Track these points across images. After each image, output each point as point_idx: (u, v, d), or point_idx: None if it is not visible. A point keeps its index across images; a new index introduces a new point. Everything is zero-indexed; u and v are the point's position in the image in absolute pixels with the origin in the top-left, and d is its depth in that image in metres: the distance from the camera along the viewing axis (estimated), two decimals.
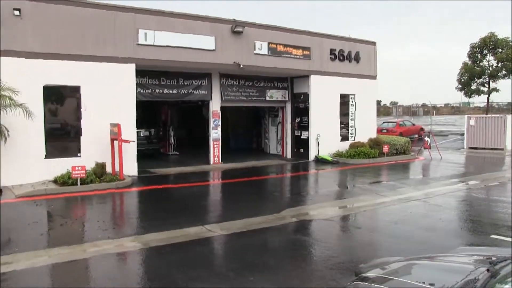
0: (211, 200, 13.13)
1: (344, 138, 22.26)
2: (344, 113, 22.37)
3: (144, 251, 7.63)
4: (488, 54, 38.59)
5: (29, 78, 13.22)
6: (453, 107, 77.53)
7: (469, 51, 39.20)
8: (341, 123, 22.20)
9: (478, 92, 39.39)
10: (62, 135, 14.77)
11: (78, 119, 14.55)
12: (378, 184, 14.88)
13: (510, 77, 37.38)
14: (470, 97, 40.02)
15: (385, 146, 21.16)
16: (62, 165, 13.46)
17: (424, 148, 23.30)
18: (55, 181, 13.23)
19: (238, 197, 12.73)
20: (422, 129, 39.21)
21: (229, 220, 9.66)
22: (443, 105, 77.01)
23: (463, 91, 40.13)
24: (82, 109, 14.49)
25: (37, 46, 13.52)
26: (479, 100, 47.81)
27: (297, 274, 6.62)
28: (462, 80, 39.49)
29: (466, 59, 39.57)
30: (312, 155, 20.78)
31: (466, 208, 11.52)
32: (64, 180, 12.83)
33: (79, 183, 12.72)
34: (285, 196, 13.44)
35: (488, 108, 41.42)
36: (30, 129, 13.13)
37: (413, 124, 39.63)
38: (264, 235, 8.79)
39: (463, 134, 36.46)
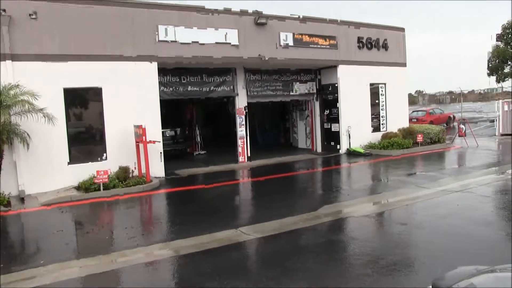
0: (242, 200, 12.53)
1: (376, 129, 21.41)
2: (375, 103, 21.51)
3: (175, 260, 7.09)
4: None
5: (48, 81, 12.80)
6: (480, 93, 75.57)
7: (500, 33, 37.69)
8: (372, 113, 21.35)
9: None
10: (86, 139, 14.35)
11: (101, 122, 14.13)
12: (416, 175, 14.10)
13: None
14: (503, 81, 38.50)
15: (419, 136, 20.24)
16: (86, 170, 13.02)
17: (459, 136, 22.28)
18: (78, 187, 12.83)
19: (270, 195, 12.09)
20: (450, 117, 37.94)
21: (263, 221, 9.04)
22: (468, 92, 74.88)
23: (495, 76, 38.68)
24: (105, 111, 14.07)
25: (55, 48, 13.10)
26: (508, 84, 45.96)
27: (344, 281, 5.96)
28: (492, 63, 38.05)
29: (497, 42, 38.13)
30: (343, 148, 20.02)
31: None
32: (87, 186, 12.41)
33: (102, 188, 12.28)
34: (319, 192, 12.74)
35: None
36: (52, 134, 12.71)
37: (443, 112, 38.37)
38: (301, 236, 8.15)
39: (493, 121, 35.19)
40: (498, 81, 38.38)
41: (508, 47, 37.43)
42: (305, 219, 9.24)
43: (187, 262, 6.95)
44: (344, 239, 7.92)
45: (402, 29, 22.71)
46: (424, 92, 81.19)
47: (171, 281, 6.37)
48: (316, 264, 6.66)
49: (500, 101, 28.10)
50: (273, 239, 7.93)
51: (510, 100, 28.06)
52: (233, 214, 10.40)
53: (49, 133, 12.59)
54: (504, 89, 54.14)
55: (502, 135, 25.57)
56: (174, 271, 6.79)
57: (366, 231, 8.49)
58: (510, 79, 38.64)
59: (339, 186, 13.66)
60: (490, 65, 37.61)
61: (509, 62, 37.76)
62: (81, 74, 13.52)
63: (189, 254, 7.25)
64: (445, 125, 32.22)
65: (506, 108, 26.11)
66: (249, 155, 18.50)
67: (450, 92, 76.38)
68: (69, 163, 13.46)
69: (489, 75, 38.42)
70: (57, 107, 12.94)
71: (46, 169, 12.84)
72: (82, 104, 14.31)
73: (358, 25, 20.62)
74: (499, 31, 37.67)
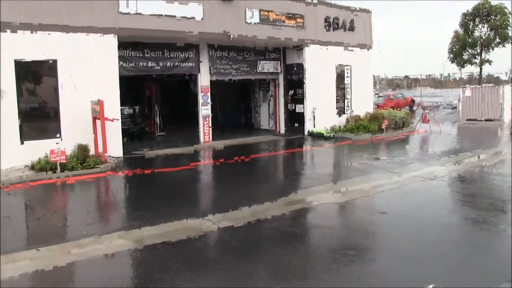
0: (208, 184, 11.84)
1: (341, 111, 21.09)
2: (340, 85, 21.14)
3: (138, 252, 6.37)
4: (480, 23, 37.65)
5: None
6: (434, 80, 77.19)
7: (461, 20, 38.19)
8: (337, 96, 20.99)
9: (471, 62, 38.55)
10: (39, 115, 13.28)
11: (56, 97, 13.07)
12: (386, 160, 13.79)
13: (505, 45, 36.59)
14: (462, 67, 39.18)
15: (385, 120, 20.06)
16: (40, 149, 12.01)
17: (423, 122, 22.27)
18: (32, 167, 11.82)
19: (237, 179, 11.49)
20: (413, 100, 38.28)
21: (231, 209, 8.41)
22: (424, 78, 76.25)
23: (455, 61, 39.26)
24: (60, 86, 13.01)
25: (4, 15, 11.89)
26: (469, 71, 46.99)
27: (336, 281, 5.43)
28: (454, 50, 38.57)
29: (458, 29, 38.61)
30: (307, 130, 19.59)
31: (492, 185, 10.41)
32: (42, 166, 11.41)
33: (59, 168, 11.34)
34: (288, 176, 12.19)
35: (481, 80, 40.53)
36: (1, 109, 11.64)
37: (404, 97, 38.63)
38: (277, 225, 7.55)
39: (455, 107, 35.76)
40: (458, 66, 38.95)
41: (467, 35, 37.99)
42: (278, 205, 8.70)
43: (151, 255, 6.26)
44: (323, 229, 7.37)
45: (369, 11, 22.37)
46: (380, 77, 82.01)
47: (134, 278, 5.66)
48: (299, 259, 6.10)
49: (461, 87, 28.45)
50: (247, 229, 7.32)
51: (471, 86, 28.49)
52: (198, 200, 9.81)
53: None
54: (462, 76, 55.32)
55: (467, 120, 25.86)
56: (136, 265, 6.09)
57: (345, 219, 8.10)
58: (468, 65, 39.34)
59: (308, 170, 13.22)
60: (453, 50, 38.04)
61: (468, 50, 38.37)
62: (34, 45, 12.43)
63: (153, 245, 6.55)
64: (408, 108, 32.38)
65: (467, 93, 26.39)
66: (211, 135, 17.81)
67: (406, 77, 77.62)
68: (21, 141, 12.41)
69: (451, 60, 38.91)
70: (7, 80, 11.86)
71: None
72: (36, 78, 13.22)
73: (326, 4, 20.10)
74: (459, 19, 38.19)
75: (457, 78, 56.14)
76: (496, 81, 47.16)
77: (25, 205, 9.30)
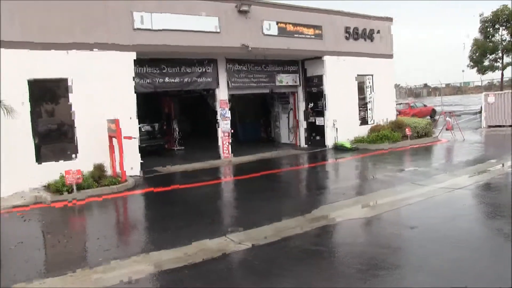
0: (229, 201, 11.42)
1: (363, 122, 20.60)
2: (362, 95, 20.68)
3: (158, 277, 5.99)
4: (500, 28, 36.79)
5: (10, 72, 11.52)
6: (454, 87, 76.13)
7: (480, 26, 37.37)
8: (359, 106, 20.51)
9: (492, 68, 37.63)
10: (55, 135, 13.03)
11: (72, 117, 12.88)
12: (410, 171, 13.21)
13: None
14: (483, 74, 38.25)
15: (407, 129, 19.53)
16: (56, 169, 11.80)
17: (447, 129, 21.66)
18: (48, 188, 11.59)
19: (258, 195, 11.08)
20: (434, 110, 37.57)
21: (254, 226, 8.02)
22: (444, 86, 75.26)
23: (475, 68, 38.39)
24: (75, 105, 12.82)
25: (17, 34, 11.79)
26: (489, 77, 45.81)
27: None
28: (474, 57, 37.72)
29: (478, 35, 37.81)
30: (329, 142, 19.13)
31: None
32: (58, 187, 11.15)
33: (75, 189, 11.08)
34: (311, 191, 11.71)
35: (503, 85, 39.54)
36: (16, 130, 11.48)
37: (425, 105, 37.98)
38: (302, 244, 7.10)
39: (476, 114, 34.93)
40: (478, 73, 38.09)
41: (487, 40, 37.17)
42: (302, 222, 8.26)
43: (172, 280, 5.89)
44: (351, 246, 6.87)
45: (390, 19, 21.96)
46: (400, 86, 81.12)
47: None
48: (328, 281, 5.67)
49: (484, 93, 27.74)
50: (271, 249, 6.88)
51: (494, 92, 27.73)
52: (219, 218, 9.40)
53: (13, 130, 11.35)
54: (483, 83, 54.12)
55: (489, 126, 25.20)
56: None
57: (373, 235, 7.54)
58: (489, 72, 38.45)
59: (331, 184, 12.71)
60: (473, 58, 37.25)
61: (488, 55, 37.52)
62: (48, 64, 12.27)
63: (174, 269, 6.17)
64: (429, 118, 31.67)
65: (490, 100, 25.71)
66: (231, 150, 17.47)
67: (426, 86, 76.80)
68: (37, 162, 12.22)
69: (472, 67, 38.08)
70: (21, 100, 11.71)
71: (11, 169, 11.51)
72: (50, 97, 12.97)
73: (344, 14, 19.74)
74: (478, 24, 37.39)
75: (479, 85, 55.11)
76: None
77: (39, 230, 8.99)
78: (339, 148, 18.54)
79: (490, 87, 49.07)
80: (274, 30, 17.01)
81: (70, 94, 12.79)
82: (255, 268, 6.20)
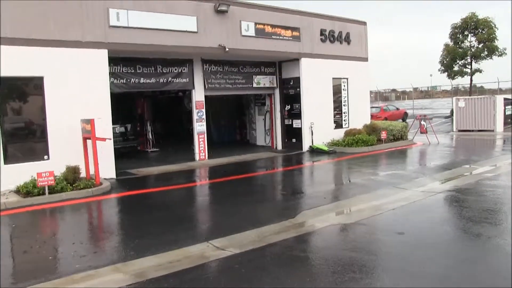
0: (208, 205, 11.07)
1: (338, 125, 20.56)
2: (337, 98, 20.65)
3: (140, 287, 5.68)
4: (469, 34, 37.60)
5: None
6: (421, 91, 77.66)
7: (450, 32, 38.11)
8: (335, 109, 20.47)
9: (461, 73, 38.40)
10: (26, 135, 12.49)
11: (43, 116, 12.35)
12: (389, 175, 13.18)
13: (492, 57, 36.57)
14: (453, 78, 38.97)
15: (383, 132, 19.60)
16: (26, 171, 11.25)
17: (421, 133, 21.87)
18: (17, 191, 11.05)
19: (238, 199, 10.83)
20: (406, 113, 38.08)
21: (237, 231, 7.76)
22: (412, 90, 76.65)
23: (446, 73, 39.09)
24: (47, 104, 12.30)
25: None
26: (457, 82, 46.72)
27: None
28: (445, 61, 38.40)
29: (448, 41, 38.53)
30: (305, 145, 19.00)
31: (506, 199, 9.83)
32: (29, 190, 10.62)
33: (47, 192, 10.58)
34: (292, 195, 11.45)
35: (471, 90, 40.41)
36: None
37: (397, 109, 38.50)
38: (287, 250, 6.85)
39: (447, 117, 35.55)
40: (449, 78, 38.83)
41: (457, 46, 37.93)
42: (286, 227, 8.05)
43: None
44: (338, 254, 6.68)
45: (364, 23, 22.04)
46: (370, 89, 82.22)
47: None
48: None
49: (455, 98, 28.23)
50: (256, 256, 6.63)
51: (465, 97, 28.25)
52: (200, 223, 9.11)
53: None
54: (450, 88, 55.11)
55: (459, 130, 25.68)
56: None
57: (361, 242, 7.26)
58: (458, 77, 39.23)
59: (312, 187, 12.54)
60: (444, 62, 37.94)
61: (457, 61, 38.29)
62: (20, 61, 11.73)
63: (156, 278, 5.85)
64: (401, 120, 32.03)
65: (461, 104, 26.18)
66: (207, 152, 17.15)
67: (394, 90, 78.23)
68: (5, 163, 11.65)
69: (442, 72, 38.79)
70: None
71: None
72: (21, 96, 12.40)
73: (321, 17, 19.68)
74: (449, 30, 38.13)
75: (446, 90, 56.28)
76: (481, 91, 47.23)
77: (9, 236, 8.48)
78: (316, 151, 18.44)
79: (456, 92, 50.10)
80: (252, 31, 16.79)
81: (42, 93, 12.27)
82: (242, 276, 5.92)
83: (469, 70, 38.05)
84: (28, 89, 12.42)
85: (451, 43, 38.36)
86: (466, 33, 37.53)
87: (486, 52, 36.58)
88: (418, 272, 5.80)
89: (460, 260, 6.23)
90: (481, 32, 36.50)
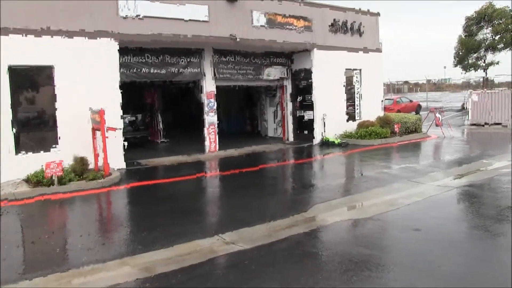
0: (218, 197, 10.91)
1: (351, 117, 20.28)
2: (349, 90, 20.36)
3: (148, 282, 5.50)
4: (484, 26, 36.93)
5: None
6: (434, 84, 76.92)
7: (464, 24, 37.48)
8: (347, 101, 20.18)
9: (475, 66, 37.78)
10: (36, 125, 12.46)
11: (53, 106, 12.27)
12: (403, 168, 12.91)
13: (510, 48, 35.86)
14: (467, 71, 38.40)
15: (397, 125, 19.28)
16: (36, 161, 11.25)
17: (436, 125, 21.52)
18: (27, 180, 10.97)
19: (249, 191, 10.64)
20: (419, 106, 37.57)
21: (247, 225, 7.59)
22: (425, 82, 75.89)
23: (460, 66, 38.52)
24: (57, 94, 12.21)
25: None
26: (472, 76, 46.01)
27: None
28: (460, 54, 37.83)
29: (462, 33, 37.93)
30: (317, 137, 18.76)
31: None
32: (38, 179, 10.57)
33: (56, 182, 10.49)
34: (304, 188, 11.21)
35: (486, 83, 39.75)
36: None
37: (411, 101, 37.96)
38: (300, 246, 6.67)
39: (459, 110, 35.04)
40: (463, 70, 38.23)
41: (471, 38, 37.29)
42: (298, 221, 7.87)
43: (161, 285, 5.41)
44: (352, 251, 6.48)
45: (377, 14, 21.61)
46: (383, 82, 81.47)
47: None
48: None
49: (469, 91, 27.76)
50: (267, 251, 6.45)
51: (478, 91, 27.76)
52: (210, 215, 8.96)
53: None
54: (460, 81, 54.42)
55: (472, 124, 25.24)
56: None
57: (376, 239, 6.99)
58: (472, 70, 38.63)
59: (325, 181, 12.30)
60: (460, 54, 37.31)
61: (472, 53, 37.65)
62: (30, 50, 11.66)
63: (165, 273, 5.71)
64: (414, 113, 31.61)
65: (474, 98, 25.70)
66: (217, 144, 16.99)
67: (407, 82, 77.53)
68: (16, 153, 11.60)
69: (456, 65, 38.18)
70: (1, 88, 11.03)
71: None
72: (32, 85, 12.39)
73: (333, 7, 19.31)
74: (463, 22, 37.53)
75: (457, 83, 55.57)
76: (491, 85, 46.48)
77: (18, 226, 8.40)
78: (328, 143, 18.19)
79: (467, 85, 49.46)
80: (263, 21, 16.54)
81: (52, 82, 12.21)
82: (251, 273, 5.74)
83: (483, 63, 37.43)
84: (38, 79, 12.34)
85: (465, 36, 37.74)
86: (481, 24, 36.86)
87: (502, 44, 35.93)
88: (435, 271, 5.58)
89: (480, 259, 5.99)
90: (498, 23, 35.80)
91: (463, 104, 28.44)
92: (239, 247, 6.60)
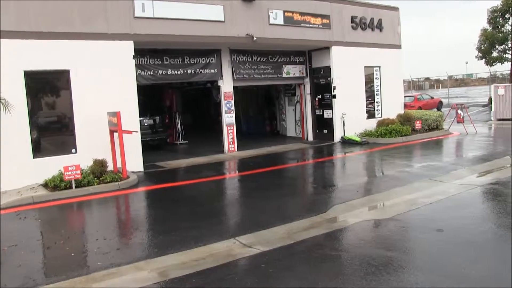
0: (236, 199, 10.76)
1: (371, 115, 19.97)
2: (369, 87, 20.04)
3: (163, 287, 5.41)
4: (510, 17, 35.87)
5: (5, 63, 10.93)
6: (456, 79, 75.54)
7: (489, 16, 36.47)
8: (367, 98, 19.87)
9: (501, 59, 36.74)
10: (53, 129, 12.50)
11: (70, 109, 12.29)
12: (425, 166, 12.58)
13: None
14: (491, 65, 37.36)
15: (417, 122, 18.91)
16: (54, 165, 11.26)
17: (458, 122, 21.05)
18: (45, 184, 11.02)
19: (267, 193, 10.48)
20: (441, 102, 36.90)
21: (265, 227, 7.45)
22: (446, 79, 74.63)
23: (483, 60, 37.53)
24: (74, 97, 12.23)
25: (12, 23, 11.14)
26: (494, 70, 44.78)
27: None
28: (482, 47, 36.84)
29: (486, 25, 36.89)
30: (337, 136, 18.51)
31: None
32: (56, 184, 10.58)
33: (73, 186, 10.50)
34: (323, 188, 11.02)
35: None
36: (11, 124, 10.90)
37: (432, 97, 37.30)
38: (318, 248, 6.48)
39: (485, 106, 34.25)
40: (487, 65, 37.24)
41: (496, 30, 36.27)
42: (317, 223, 7.68)
43: None
44: (372, 254, 6.24)
45: (397, 9, 21.25)
46: (403, 78, 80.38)
47: None
48: None
49: (494, 85, 27.06)
50: (285, 254, 6.28)
51: (504, 84, 27.03)
52: (227, 218, 8.79)
53: (8, 124, 10.77)
54: (486, 75, 53.09)
55: (498, 119, 24.57)
56: None
57: (396, 240, 6.73)
58: (498, 63, 37.58)
59: (344, 180, 12.07)
60: (482, 48, 36.36)
61: (497, 46, 36.63)
62: (46, 55, 11.67)
63: (180, 278, 5.59)
64: (435, 110, 31.01)
65: (500, 92, 25.02)
66: (236, 144, 16.89)
67: (428, 79, 76.31)
68: (34, 157, 11.64)
69: (480, 58, 37.22)
70: (17, 93, 11.11)
71: (6, 165, 10.94)
72: (48, 89, 12.41)
73: (352, 3, 19.03)
74: (487, 15, 36.50)
75: (482, 78, 54.38)
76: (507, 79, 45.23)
77: (36, 231, 8.40)
78: (348, 142, 17.94)
79: (493, 79, 48.27)
80: (280, 20, 16.37)
81: (68, 86, 12.22)
82: (269, 277, 5.59)
83: (509, 56, 36.39)
84: (55, 82, 12.39)
85: (489, 28, 36.73)
86: (507, 16, 35.83)
87: None
88: (461, 275, 5.34)
89: (508, 262, 5.71)
90: None
91: (490, 98, 27.78)
92: (256, 250, 6.46)
